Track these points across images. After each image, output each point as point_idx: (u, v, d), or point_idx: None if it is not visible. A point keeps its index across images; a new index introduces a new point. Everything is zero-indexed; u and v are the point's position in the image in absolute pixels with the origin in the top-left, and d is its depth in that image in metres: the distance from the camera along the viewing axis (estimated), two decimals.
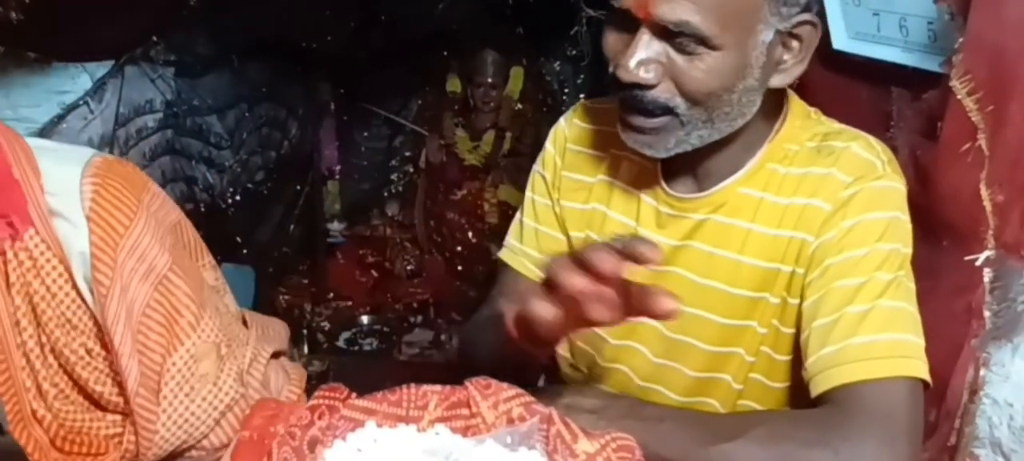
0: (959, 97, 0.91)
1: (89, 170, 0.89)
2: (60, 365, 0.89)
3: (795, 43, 0.91)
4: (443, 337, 3.18)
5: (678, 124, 0.91)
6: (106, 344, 0.87)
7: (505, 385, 0.82)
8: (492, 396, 0.80)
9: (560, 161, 1.14)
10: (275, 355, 1.03)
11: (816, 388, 0.88)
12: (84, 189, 0.87)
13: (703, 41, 0.85)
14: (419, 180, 3.58)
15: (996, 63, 0.88)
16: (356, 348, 3.11)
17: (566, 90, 3.55)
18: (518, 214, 1.20)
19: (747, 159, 0.99)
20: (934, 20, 1.04)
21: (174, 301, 0.88)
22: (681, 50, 0.86)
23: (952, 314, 0.97)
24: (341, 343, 3.12)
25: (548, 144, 1.16)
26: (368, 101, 3.62)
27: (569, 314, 0.75)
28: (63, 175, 0.88)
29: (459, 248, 3.41)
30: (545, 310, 0.75)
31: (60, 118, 1.75)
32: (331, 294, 3.34)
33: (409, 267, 3.49)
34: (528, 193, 1.18)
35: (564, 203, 1.13)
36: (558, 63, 3.56)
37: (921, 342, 0.87)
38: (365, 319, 3.26)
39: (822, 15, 0.96)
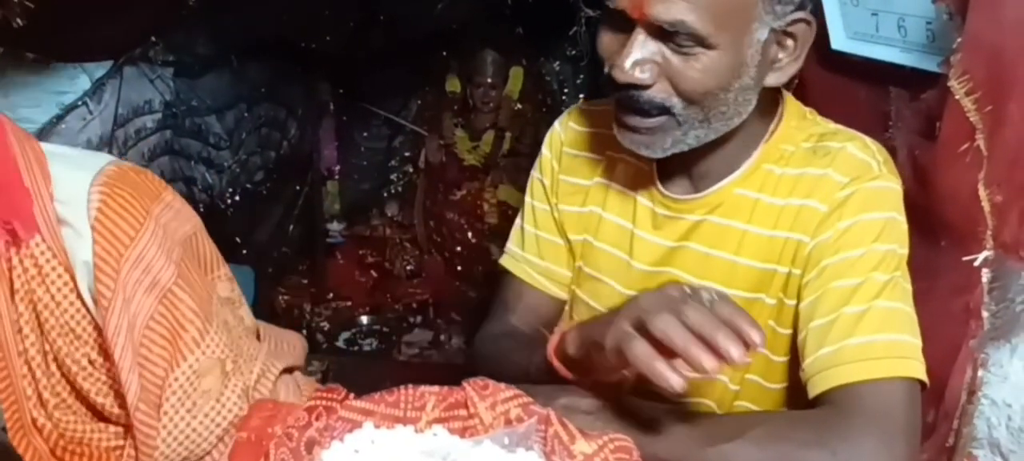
0: (957, 97, 0.90)
1: (99, 179, 0.88)
2: (62, 375, 0.88)
3: (790, 41, 0.91)
4: (443, 337, 3.18)
5: (675, 124, 0.91)
6: (109, 355, 0.87)
7: (503, 386, 0.82)
8: (490, 397, 0.80)
9: (557, 165, 1.14)
10: (289, 370, 1.01)
11: (813, 389, 0.88)
12: (91, 198, 0.86)
13: (699, 40, 0.85)
14: (418, 180, 3.58)
15: (994, 63, 0.88)
16: (356, 348, 3.11)
17: (566, 90, 3.55)
18: (518, 219, 1.20)
19: (743, 160, 0.99)
20: (932, 20, 1.03)
21: (178, 315, 0.87)
22: (677, 50, 0.86)
23: (950, 314, 0.96)
24: (341, 343, 3.12)
25: (544, 149, 1.16)
26: (368, 101, 3.62)
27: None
28: (73, 183, 0.87)
29: (459, 248, 3.41)
30: (676, 381, 0.75)
31: (59, 119, 1.74)
32: (330, 294, 3.34)
33: (409, 267, 3.49)
34: (527, 198, 1.18)
35: (562, 207, 1.13)
36: (557, 63, 3.56)
37: (918, 342, 0.87)
38: (365, 319, 3.26)
39: (817, 13, 0.96)
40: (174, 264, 0.88)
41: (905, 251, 0.92)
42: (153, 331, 0.85)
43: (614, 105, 0.95)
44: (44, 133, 1.70)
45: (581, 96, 3.38)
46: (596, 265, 1.10)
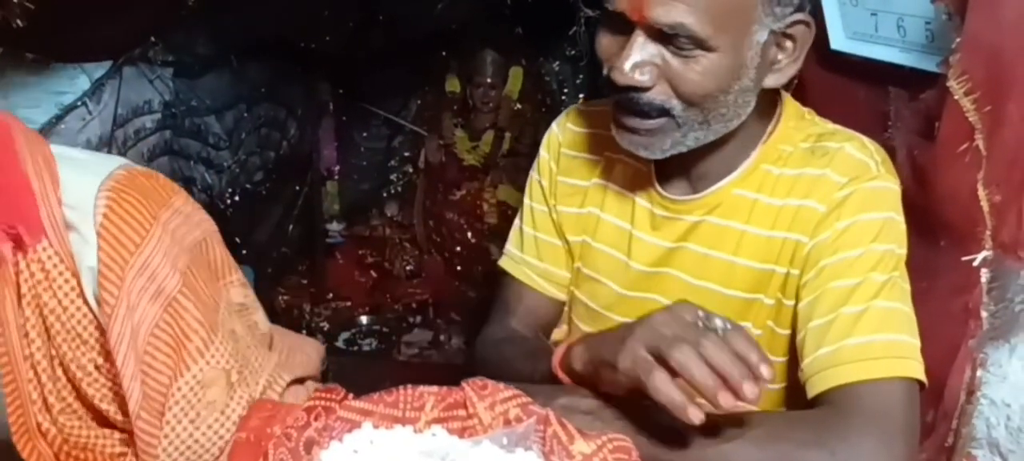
0: (956, 97, 0.90)
1: (107, 183, 0.87)
2: (68, 380, 0.88)
3: (789, 43, 0.91)
4: (442, 337, 3.18)
5: (674, 125, 0.91)
6: (112, 362, 0.86)
7: (502, 386, 0.82)
8: (489, 397, 0.80)
9: (555, 167, 1.14)
10: (301, 380, 0.99)
11: (812, 389, 0.88)
12: (98, 203, 0.85)
13: (698, 43, 0.85)
14: (418, 180, 3.57)
15: (993, 63, 0.88)
16: (355, 348, 3.11)
17: (565, 90, 3.54)
18: (517, 220, 1.20)
19: (741, 160, 0.99)
20: (932, 20, 1.04)
21: (182, 324, 0.86)
22: (676, 52, 0.86)
23: (949, 314, 0.96)
24: (340, 343, 3.12)
25: (542, 150, 1.16)
26: (367, 101, 3.62)
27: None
28: (81, 187, 0.86)
29: (458, 248, 3.41)
30: (696, 416, 0.75)
31: (58, 119, 1.74)
32: (330, 294, 3.34)
33: (408, 267, 3.49)
34: (526, 200, 1.18)
35: (560, 208, 1.13)
36: (557, 63, 3.56)
37: (916, 343, 0.87)
38: (364, 319, 3.26)
39: (815, 14, 0.96)
40: (179, 272, 0.87)
41: (903, 251, 0.92)
42: (158, 339, 0.84)
43: (613, 107, 0.94)
44: (43, 133, 1.69)
45: (581, 96, 3.38)
46: (594, 266, 1.10)
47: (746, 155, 0.99)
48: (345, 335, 3.17)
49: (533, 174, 1.17)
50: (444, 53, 3.41)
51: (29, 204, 0.84)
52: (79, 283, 0.85)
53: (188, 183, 2.40)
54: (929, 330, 0.89)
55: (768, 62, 0.91)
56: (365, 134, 3.71)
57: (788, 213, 0.96)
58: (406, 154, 3.69)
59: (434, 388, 0.82)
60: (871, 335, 0.86)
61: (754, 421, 0.86)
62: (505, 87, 3.34)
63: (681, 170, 1.01)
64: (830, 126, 1.01)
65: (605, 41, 0.92)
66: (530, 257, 1.16)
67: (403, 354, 3.11)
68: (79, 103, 1.79)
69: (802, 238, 0.95)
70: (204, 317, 0.87)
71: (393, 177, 3.71)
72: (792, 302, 0.96)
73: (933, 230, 1.00)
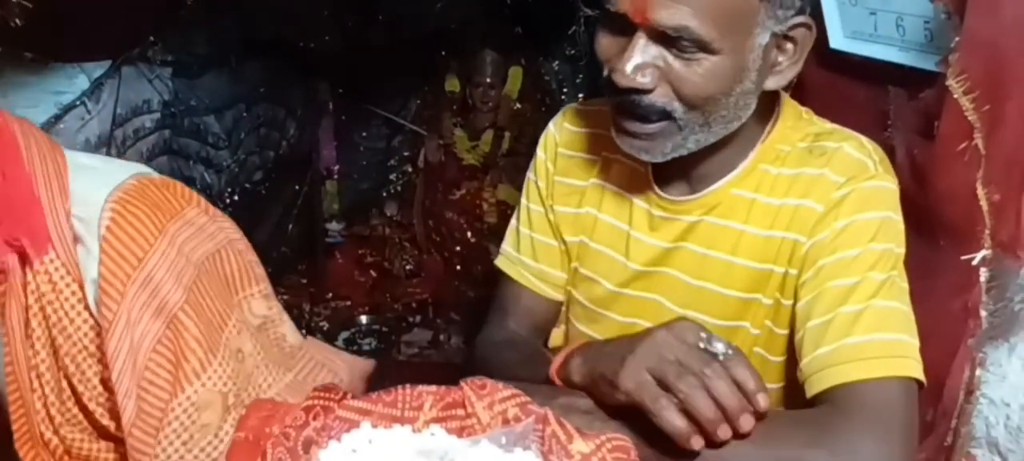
0: (955, 96, 0.90)
1: (115, 195, 0.86)
2: (72, 391, 0.87)
3: (790, 45, 0.91)
4: (442, 337, 3.18)
5: (676, 128, 0.90)
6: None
7: (500, 385, 0.81)
8: (487, 397, 0.80)
9: (552, 167, 1.13)
10: None
11: (811, 389, 0.87)
12: (103, 215, 0.84)
13: (702, 46, 0.85)
14: (418, 180, 3.57)
15: (992, 62, 0.88)
16: (355, 348, 3.11)
17: (565, 90, 3.54)
18: (513, 220, 1.20)
19: (739, 160, 0.99)
20: (931, 19, 1.03)
21: (182, 343, 0.85)
22: (679, 55, 0.86)
23: (949, 314, 0.96)
24: (340, 343, 3.12)
25: (539, 150, 1.16)
26: (367, 101, 3.62)
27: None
28: (90, 198, 0.85)
29: (458, 248, 3.41)
30: (698, 445, 0.78)
31: (57, 118, 1.74)
32: (330, 294, 3.34)
33: (408, 267, 3.50)
34: (523, 199, 1.18)
35: (557, 208, 1.13)
36: (557, 63, 3.56)
37: (915, 342, 0.87)
38: (364, 319, 3.27)
39: (816, 16, 0.96)
40: (183, 288, 0.85)
41: (902, 250, 0.92)
42: (160, 354, 0.83)
43: (612, 109, 0.94)
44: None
45: (580, 95, 3.38)
46: (592, 266, 1.10)
47: (744, 155, 0.99)
48: (345, 334, 3.17)
49: (530, 174, 1.17)
50: (444, 53, 3.41)
51: (35, 216, 0.83)
52: (85, 296, 0.84)
53: (187, 183, 2.36)
54: (928, 329, 0.89)
55: (769, 64, 0.91)
56: (364, 134, 3.71)
57: (786, 213, 0.96)
58: (406, 154, 3.69)
59: (433, 387, 0.81)
60: (870, 334, 0.86)
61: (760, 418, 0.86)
62: (505, 87, 3.34)
63: (679, 171, 1.01)
64: (828, 125, 1.01)
65: (605, 42, 0.91)
66: (526, 257, 1.16)
67: (403, 353, 3.11)
68: (78, 103, 1.79)
69: (800, 238, 0.94)
70: (204, 336, 0.85)
71: (393, 177, 3.71)
72: (790, 302, 0.96)
73: (932, 229, 1.00)
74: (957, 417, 0.96)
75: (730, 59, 0.86)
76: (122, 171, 0.91)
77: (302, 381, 0.96)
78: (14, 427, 0.87)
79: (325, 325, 3.18)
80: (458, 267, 3.40)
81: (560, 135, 1.14)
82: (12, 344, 0.85)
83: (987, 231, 0.92)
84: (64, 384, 0.87)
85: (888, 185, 0.94)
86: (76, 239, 0.85)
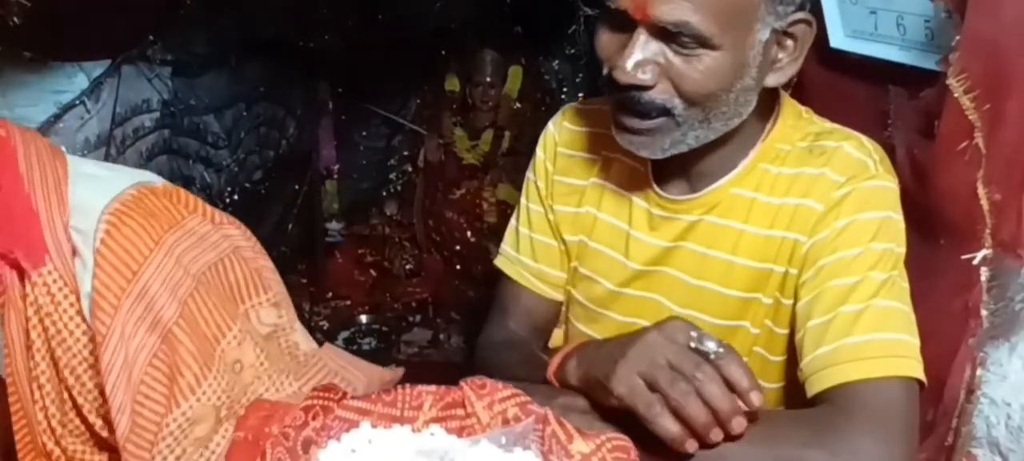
0: (956, 95, 0.90)
1: (112, 206, 0.84)
2: (72, 402, 0.87)
3: (790, 42, 0.91)
4: (442, 336, 3.18)
5: (674, 125, 0.90)
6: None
7: (500, 385, 0.81)
8: (487, 396, 0.80)
9: (551, 167, 1.13)
10: None
11: (812, 388, 0.87)
12: (99, 227, 0.83)
13: (702, 41, 0.84)
14: (418, 179, 3.57)
15: (993, 61, 0.88)
16: (355, 347, 3.11)
17: (565, 89, 3.54)
18: (513, 220, 1.20)
19: (739, 159, 0.99)
20: (931, 18, 1.03)
21: (177, 358, 0.83)
22: (679, 51, 0.86)
23: (949, 313, 0.96)
24: (340, 343, 3.11)
25: (538, 150, 1.16)
26: (366, 100, 3.62)
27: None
28: (89, 209, 0.84)
29: (458, 247, 3.41)
30: (692, 448, 0.78)
31: (57, 118, 1.74)
32: (330, 293, 3.34)
33: (408, 266, 3.50)
34: (522, 199, 1.18)
35: (557, 208, 1.13)
36: (557, 62, 3.56)
37: (916, 342, 0.87)
38: (364, 318, 3.27)
39: (816, 13, 0.96)
40: (178, 301, 0.84)
41: (902, 250, 0.92)
42: (156, 368, 0.83)
43: (612, 106, 0.94)
44: (42, 132, 1.69)
45: (580, 95, 3.38)
46: (591, 265, 1.10)
47: (744, 154, 0.99)
48: (344, 334, 3.17)
49: (529, 174, 1.17)
50: (443, 52, 3.41)
51: (31, 228, 0.82)
52: (82, 308, 0.84)
53: (187, 182, 2.39)
54: (929, 329, 0.89)
55: (769, 61, 0.91)
56: (364, 133, 3.71)
57: (786, 212, 0.96)
58: (405, 153, 3.69)
59: (432, 387, 0.81)
60: (870, 334, 0.86)
61: (752, 420, 0.86)
62: (504, 86, 3.34)
63: (679, 169, 1.01)
64: (828, 125, 1.01)
65: (605, 39, 0.91)
66: (525, 257, 1.16)
67: (402, 353, 3.11)
68: (77, 102, 1.79)
69: (800, 237, 0.94)
70: (199, 350, 0.84)
71: (392, 176, 3.71)
72: (790, 301, 0.96)
73: (933, 229, 1.00)
74: (958, 417, 0.96)
75: (730, 55, 0.86)
76: (124, 180, 0.89)
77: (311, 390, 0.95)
78: (16, 438, 0.86)
79: (325, 324, 3.19)
80: (458, 267, 3.40)
81: (559, 134, 1.14)
82: (12, 355, 0.85)
83: (988, 230, 0.92)
84: (65, 395, 0.86)
85: (888, 185, 0.94)
86: (74, 251, 0.84)
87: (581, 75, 3.47)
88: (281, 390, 0.91)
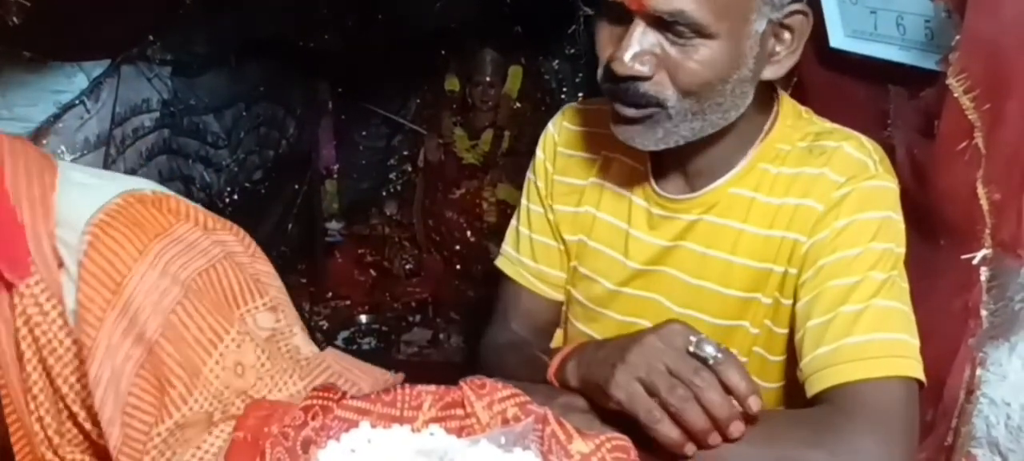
0: (956, 95, 0.90)
1: (97, 217, 0.83)
2: (68, 411, 0.86)
3: (787, 34, 0.91)
4: (442, 336, 3.18)
5: (665, 116, 0.90)
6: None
7: (500, 385, 0.81)
8: (487, 396, 0.80)
9: (551, 167, 1.13)
10: None
11: (811, 388, 0.87)
12: (83, 238, 0.82)
13: (698, 30, 0.85)
14: (417, 179, 3.57)
15: (993, 61, 0.88)
16: (355, 347, 3.11)
17: (565, 89, 3.54)
18: (513, 220, 1.20)
19: (738, 159, 0.99)
20: (931, 18, 1.03)
21: (165, 369, 0.82)
22: (675, 41, 0.86)
23: (949, 313, 0.96)
24: (339, 342, 3.12)
25: (538, 150, 1.16)
26: (366, 100, 3.61)
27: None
28: (76, 220, 0.83)
29: (458, 247, 3.41)
30: (691, 452, 0.79)
31: (56, 117, 1.74)
32: (329, 293, 3.34)
33: (408, 266, 3.50)
34: (523, 199, 1.18)
35: (557, 207, 1.13)
36: (557, 62, 3.56)
37: (916, 342, 0.87)
38: (363, 318, 3.27)
39: (814, 5, 0.96)
40: (163, 313, 0.83)
41: (902, 250, 0.92)
42: (143, 379, 0.82)
43: (609, 97, 0.94)
44: (42, 132, 1.69)
45: (580, 95, 3.38)
46: (591, 265, 1.10)
47: (743, 154, 0.99)
48: (344, 334, 3.18)
49: (530, 175, 1.17)
50: (443, 52, 3.41)
51: (15, 240, 0.81)
52: (67, 321, 0.83)
53: (187, 182, 2.39)
54: (929, 329, 0.89)
55: (767, 53, 0.91)
56: (364, 133, 3.71)
57: (786, 212, 0.96)
58: (405, 153, 3.69)
59: (432, 387, 0.81)
60: (870, 334, 0.86)
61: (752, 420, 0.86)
62: (504, 86, 3.34)
63: (678, 168, 1.01)
64: (828, 125, 1.01)
65: (604, 33, 0.92)
66: (525, 258, 1.16)
67: (402, 353, 3.11)
68: (77, 102, 1.79)
69: (800, 237, 0.94)
70: (187, 360, 0.83)
71: (392, 176, 3.71)
72: (790, 301, 0.96)
73: (933, 229, 1.00)
74: (957, 417, 0.96)
75: (727, 45, 0.86)
76: (112, 188, 0.88)
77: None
78: (15, 450, 0.86)
79: (325, 324, 3.19)
80: (458, 266, 3.40)
81: (559, 134, 1.14)
82: (5, 368, 0.84)
83: (987, 230, 0.92)
84: (60, 404, 0.86)
85: (888, 185, 0.94)
86: (60, 264, 0.83)
87: (581, 75, 3.46)
88: (285, 390, 0.90)
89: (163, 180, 2.23)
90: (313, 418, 0.79)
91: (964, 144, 0.91)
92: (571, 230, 1.12)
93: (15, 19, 1.28)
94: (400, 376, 1.02)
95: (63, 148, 1.75)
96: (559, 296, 1.16)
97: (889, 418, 0.82)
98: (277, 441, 0.77)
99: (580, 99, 1.30)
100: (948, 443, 0.97)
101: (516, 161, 3.24)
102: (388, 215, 3.64)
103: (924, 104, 1.04)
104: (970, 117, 0.90)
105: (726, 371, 0.78)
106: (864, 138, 0.98)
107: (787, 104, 1.02)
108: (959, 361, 0.95)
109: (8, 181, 0.83)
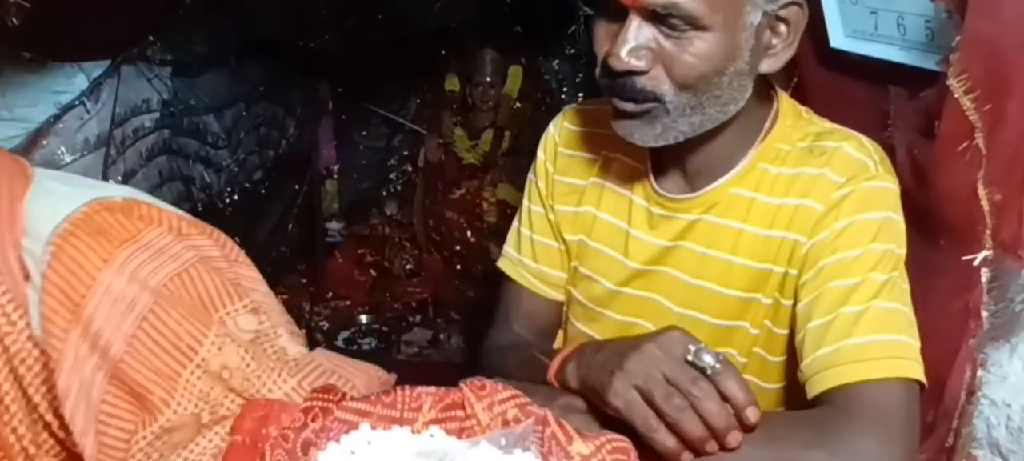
0: (956, 96, 0.90)
1: (61, 227, 0.81)
2: (43, 422, 0.84)
3: (783, 26, 0.91)
4: (442, 336, 3.18)
5: (663, 111, 0.90)
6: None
7: (500, 386, 0.81)
8: (487, 398, 0.80)
9: (552, 167, 1.14)
10: None
11: (812, 389, 0.87)
12: (46, 248, 0.80)
13: (692, 22, 0.85)
14: (418, 179, 3.58)
15: (993, 62, 0.88)
16: (355, 347, 3.12)
17: (565, 89, 3.55)
18: (515, 221, 1.20)
19: (738, 159, 0.99)
20: (932, 18, 1.03)
21: (138, 378, 0.80)
22: (670, 34, 0.86)
23: (950, 314, 0.96)
24: (340, 342, 3.12)
25: (539, 151, 1.16)
26: (366, 100, 3.62)
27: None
28: (41, 230, 0.81)
29: (458, 247, 3.41)
30: (673, 448, 0.79)
31: (56, 118, 1.74)
32: (330, 293, 3.34)
33: (408, 266, 3.50)
34: (524, 200, 1.18)
35: (558, 208, 1.13)
36: (557, 62, 3.56)
37: (916, 343, 0.87)
38: (364, 318, 3.27)
39: (814, 5, 0.96)
40: (130, 324, 0.81)
41: (903, 251, 0.92)
42: (116, 387, 0.80)
43: (607, 93, 0.94)
44: (42, 132, 1.69)
45: (580, 95, 3.38)
46: (591, 265, 1.10)
47: (743, 154, 0.99)
48: (344, 334, 3.18)
49: (531, 176, 1.17)
50: (443, 52, 3.41)
51: None
52: (33, 333, 0.81)
53: (187, 182, 2.39)
54: (929, 330, 0.89)
55: (763, 46, 0.91)
56: (364, 133, 3.71)
57: (786, 212, 0.96)
58: (405, 153, 3.69)
59: (432, 388, 0.81)
60: (871, 335, 0.86)
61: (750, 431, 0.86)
62: (504, 86, 3.35)
63: (678, 168, 1.01)
64: (828, 125, 1.00)
65: (601, 30, 0.92)
66: (526, 258, 1.16)
67: (402, 353, 3.11)
68: (77, 102, 1.79)
69: (800, 238, 0.94)
70: (162, 367, 0.81)
71: (392, 176, 3.71)
72: (790, 302, 0.96)
73: (933, 229, 1.00)
74: (958, 418, 0.96)
75: (722, 37, 0.86)
76: (81, 196, 0.86)
77: (308, 388, 0.90)
78: None
79: (325, 325, 3.19)
80: (458, 266, 3.41)
81: (560, 135, 1.14)
82: None
83: (988, 231, 0.92)
84: (34, 415, 0.84)
85: (889, 185, 0.94)
86: (26, 276, 0.81)
87: (581, 75, 3.47)
88: (277, 389, 0.88)
89: (163, 180, 2.23)
90: (313, 420, 0.78)
91: (965, 145, 0.91)
92: (572, 230, 1.12)
93: (15, 19, 1.29)
94: (393, 376, 1.02)
95: (63, 149, 1.75)
96: (560, 296, 1.16)
97: (890, 419, 0.82)
98: (277, 443, 0.77)
99: (580, 99, 1.30)
100: (949, 444, 0.96)
101: (516, 161, 3.24)
102: (388, 215, 3.64)
103: (924, 105, 1.03)
104: (971, 118, 0.90)
105: (724, 381, 0.77)
106: (864, 138, 0.98)
107: (787, 104, 1.02)
108: (960, 362, 0.95)
109: None
